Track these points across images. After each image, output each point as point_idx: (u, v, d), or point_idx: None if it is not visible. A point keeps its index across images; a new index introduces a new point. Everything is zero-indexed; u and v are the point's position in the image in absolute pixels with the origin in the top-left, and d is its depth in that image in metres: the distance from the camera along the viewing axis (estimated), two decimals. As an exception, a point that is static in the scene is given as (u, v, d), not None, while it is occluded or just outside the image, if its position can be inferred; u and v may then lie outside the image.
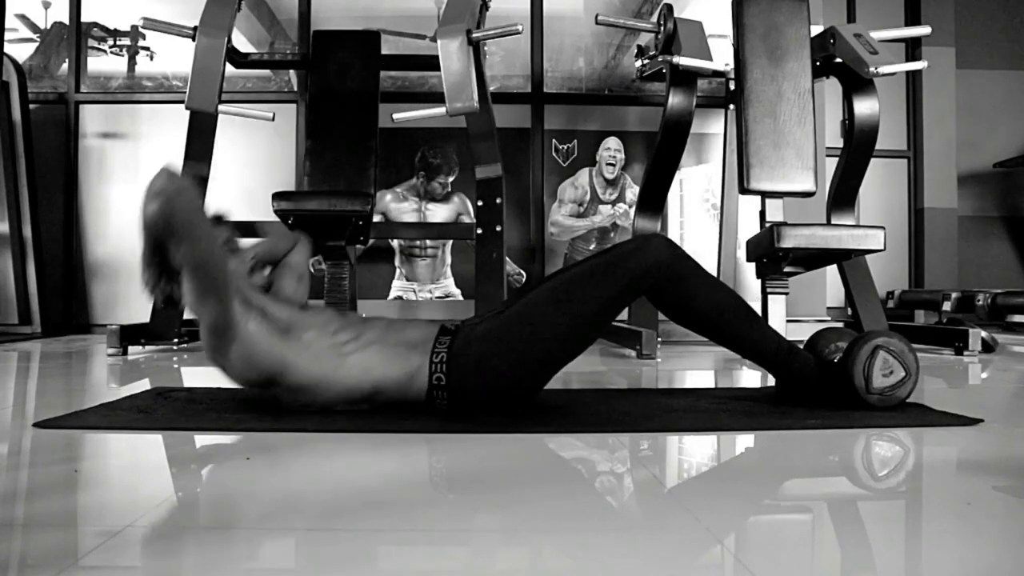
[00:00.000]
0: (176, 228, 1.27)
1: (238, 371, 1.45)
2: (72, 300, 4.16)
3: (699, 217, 4.28)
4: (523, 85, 4.31)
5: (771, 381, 1.81)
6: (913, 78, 5.16)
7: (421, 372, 1.46)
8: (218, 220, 1.60)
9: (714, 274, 3.67)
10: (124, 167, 4.20)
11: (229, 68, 3.34)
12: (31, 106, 3.99)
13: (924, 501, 1.08)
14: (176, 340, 3.10)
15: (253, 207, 4.05)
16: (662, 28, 3.17)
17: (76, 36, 4.23)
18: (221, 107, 3.21)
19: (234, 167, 4.08)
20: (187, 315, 3.19)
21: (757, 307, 2.46)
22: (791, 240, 2.71)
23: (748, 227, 3.58)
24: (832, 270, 3.32)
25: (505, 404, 1.50)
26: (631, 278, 1.46)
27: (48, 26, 4.44)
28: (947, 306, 4.36)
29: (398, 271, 4.30)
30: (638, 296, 1.51)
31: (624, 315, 3.28)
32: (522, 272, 4.22)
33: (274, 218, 3.13)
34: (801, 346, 1.68)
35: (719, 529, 0.88)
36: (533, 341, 1.45)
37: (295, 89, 4.28)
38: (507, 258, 3.82)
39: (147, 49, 4.39)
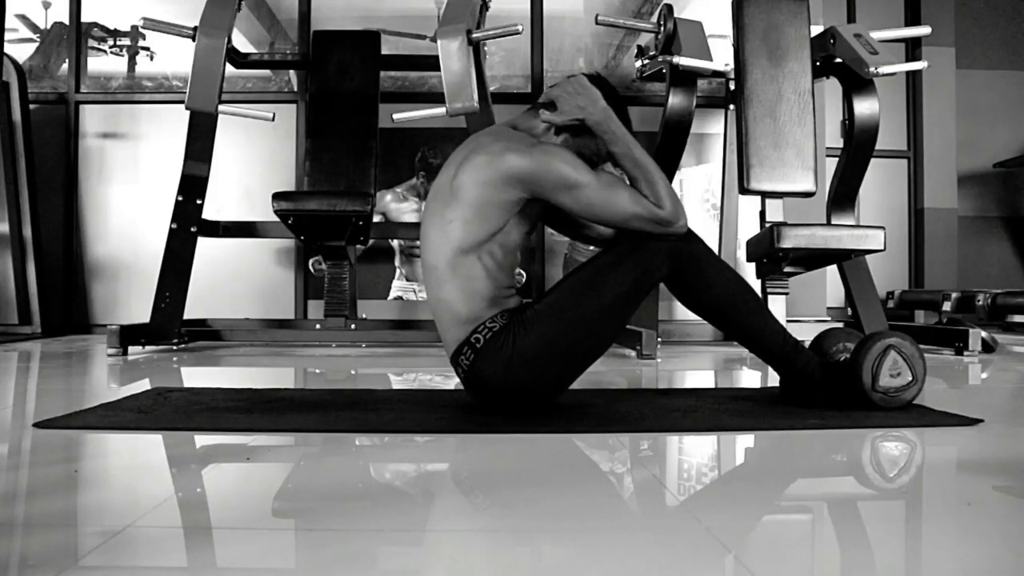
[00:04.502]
0: (648, 231, 1.47)
1: (479, 178, 1.43)
2: (72, 300, 4.16)
3: (699, 217, 4.28)
4: (523, 85, 4.31)
5: (771, 382, 1.81)
6: (913, 78, 5.16)
7: (472, 325, 1.45)
8: None
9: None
10: (124, 167, 4.20)
11: (229, 68, 3.34)
12: (31, 106, 3.99)
13: (924, 501, 1.08)
14: (176, 340, 3.10)
15: (253, 207, 4.05)
16: (662, 28, 3.17)
17: (76, 36, 4.23)
18: (221, 107, 3.22)
19: (234, 167, 4.09)
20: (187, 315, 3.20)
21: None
22: (791, 240, 2.71)
23: (748, 227, 3.59)
24: (832, 270, 3.32)
25: (520, 402, 1.50)
26: (651, 261, 1.47)
27: (48, 26, 4.44)
28: (947, 306, 4.36)
29: (398, 271, 4.30)
30: (659, 280, 1.51)
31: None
32: (522, 272, 4.21)
33: (274, 218, 3.13)
34: (807, 345, 1.67)
35: (719, 529, 0.88)
36: (560, 335, 1.44)
37: (295, 89, 4.28)
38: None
39: (147, 49, 4.39)
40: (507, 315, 1.47)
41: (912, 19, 5.11)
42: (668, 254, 1.47)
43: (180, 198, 3.19)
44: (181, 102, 3.25)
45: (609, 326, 1.48)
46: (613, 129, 1.49)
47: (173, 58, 4.29)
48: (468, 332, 1.46)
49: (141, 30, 4.26)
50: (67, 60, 4.26)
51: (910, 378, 1.53)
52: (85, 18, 4.30)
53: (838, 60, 3.07)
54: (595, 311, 1.45)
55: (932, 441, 1.41)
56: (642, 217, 1.45)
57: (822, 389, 1.57)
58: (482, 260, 1.44)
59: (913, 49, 4.95)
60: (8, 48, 3.84)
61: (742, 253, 3.32)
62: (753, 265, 3.10)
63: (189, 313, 3.22)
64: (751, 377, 2.38)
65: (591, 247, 4.21)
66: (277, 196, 3.00)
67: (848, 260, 3.07)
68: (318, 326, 3.34)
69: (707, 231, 4.17)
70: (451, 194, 1.45)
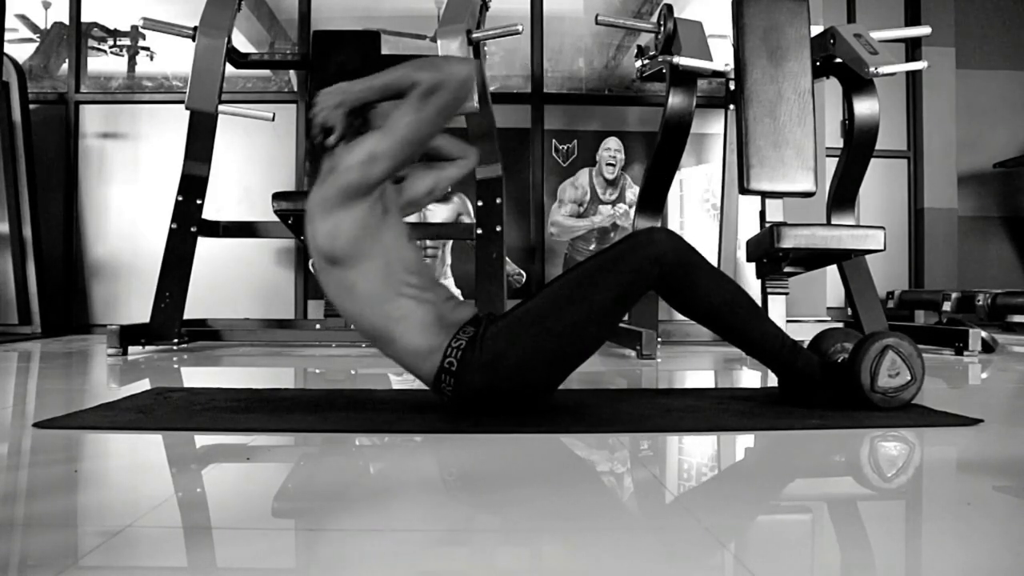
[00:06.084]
0: (450, 101, 1.41)
1: (327, 231, 1.43)
2: (72, 300, 4.16)
3: (699, 217, 4.28)
4: (523, 85, 4.31)
5: (771, 382, 1.81)
6: (913, 78, 5.16)
7: (438, 353, 1.45)
8: None
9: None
10: (124, 167, 4.20)
11: (229, 68, 3.34)
12: (31, 106, 3.99)
13: (924, 501, 1.08)
14: (176, 340, 3.10)
15: (253, 207, 4.05)
16: (662, 28, 3.17)
17: (76, 36, 4.23)
18: (221, 107, 3.22)
19: (234, 167, 4.09)
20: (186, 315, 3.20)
21: (757, 307, 2.45)
22: (791, 240, 2.70)
23: (748, 227, 3.58)
24: (832, 270, 3.32)
25: (512, 404, 1.49)
26: (638, 270, 1.46)
27: (48, 26, 4.44)
28: (947, 306, 4.36)
29: (398, 271, 4.29)
30: (646, 288, 1.49)
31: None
32: (522, 272, 4.22)
33: (274, 218, 3.13)
34: (805, 345, 1.67)
35: (719, 529, 0.88)
36: (544, 339, 1.43)
37: (295, 89, 4.28)
38: (507, 258, 3.82)
39: (147, 49, 4.39)
40: (469, 328, 1.47)
41: (912, 19, 5.11)
42: (658, 260, 1.46)
43: (180, 198, 3.19)
44: (181, 102, 3.25)
45: (598, 329, 1.48)
46: (365, 89, 1.50)
47: (173, 58, 4.29)
48: (439, 360, 1.45)
49: (141, 30, 4.26)
50: (67, 60, 4.26)
51: (908, 378, 1.53)
52: (85, 18, 4.30)
53: (838, 60, 3.06)
54: (584, 315, 1.44)
55: (932, 441, 1.41)
56: (425, 96, 1.41)
57: (821, 389, 1.57)
58: (405, 294, 1.45)
59: (913, 49, 4.95)
60: (8, 48, 3.84)
61: (742, 253, 3.32)
62: (753, 265, 3.10)
63: (189, 313, 3.22)
64: (751, 377, 2.38)
65: (590, 247, 4.24)
66: (277, 196, 3.00)
67: (848, 260, 3.07)
68: (318, 326, 3.34)
69: (707, 231, 4.18)
70: (332, 264, 1.45)
